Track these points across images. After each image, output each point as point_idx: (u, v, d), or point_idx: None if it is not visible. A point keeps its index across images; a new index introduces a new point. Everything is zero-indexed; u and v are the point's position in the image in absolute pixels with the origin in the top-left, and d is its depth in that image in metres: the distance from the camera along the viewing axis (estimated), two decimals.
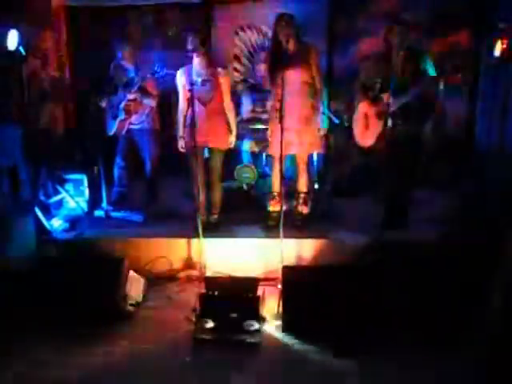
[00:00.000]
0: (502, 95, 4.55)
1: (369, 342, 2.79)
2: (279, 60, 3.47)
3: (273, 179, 3.98)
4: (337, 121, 4.86)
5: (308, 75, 3.67)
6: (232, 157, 4.59)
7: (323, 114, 3.92)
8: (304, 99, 3.70)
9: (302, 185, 3.93)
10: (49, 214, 4.12)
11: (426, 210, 4.04)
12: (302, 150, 3.82)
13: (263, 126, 4.69)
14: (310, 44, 3.75)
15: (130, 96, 4.17)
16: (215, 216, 4.01)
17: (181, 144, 3.87)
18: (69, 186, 4.44)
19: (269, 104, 3.88)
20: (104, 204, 4.17)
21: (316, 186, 4.69)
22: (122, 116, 4.24)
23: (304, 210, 3.94)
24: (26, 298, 3.07)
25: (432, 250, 3.28)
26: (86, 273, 3.15)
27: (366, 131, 3.75)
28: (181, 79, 3.78)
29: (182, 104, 3.83)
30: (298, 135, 3.70)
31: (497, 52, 4.30)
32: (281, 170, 3.45)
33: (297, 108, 3.63)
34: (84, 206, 4.39)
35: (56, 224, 4.02)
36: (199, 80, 3.74)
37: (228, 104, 3.87)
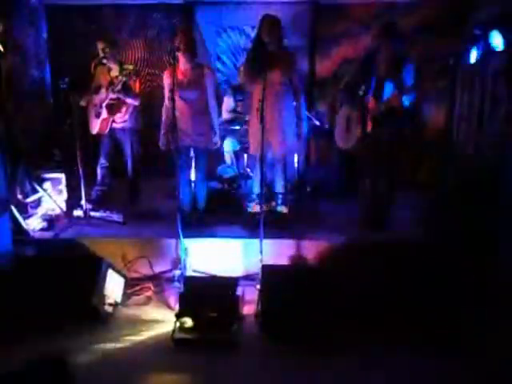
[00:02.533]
0: (478, 101, 4.66)
1: (346, 341, 2.82)
2: (260, 60, 3.50)
3: (252, 180, 4.01)
4: (318, 123, 4.91)
5: (287, 77, 3.72)
6: (214, 157, 4.59)
7: (303, 117, 3.95)
8: (282, 100, 3.73)
9: (280, 186, 3.96)
10: (26, 214, 4.05)
11: (406, 210, 4.10)
12: (279, 151, 3.85)
13: (245, 127, 4.71)
14: (291, 51, 3.81)
15: (113, 95, 4.14)
16: (199, 213, 4.02)
17: (162, 142, 3.87)
18: (47, 185, 4.37)
19: (248, 104, 3.89)
20: (83, 203, 4.12)
21: (296, 187, 4.72)
22: (104, 115, 4.21)
23: (283, 210, 3.97)
24: (1, 298, 3.01)
25: (413, 250, 3.33)
26: (63, 273, 3.11)
27: (347, 134, 3.80)
28: (166, 79, 3.78)
29: (167, 103, 3.83)
30: (275, 136, 3.73)
31: (472, 59, 4.40)
32: (261, 171, 3.47)
33: (274, 109, 3.66)
34: (62, 205, 4.34)
35: (33, 223, 3.96)
36: (184, 80, 3.75)
37: (213, 104, 3.89)
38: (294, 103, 3.81)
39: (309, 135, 4.34)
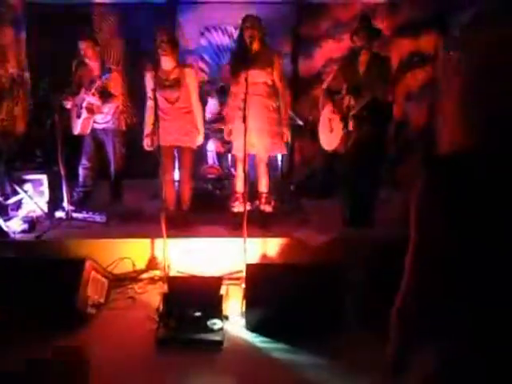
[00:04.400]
0: None
1: (333, 339, 2.85)
2: (242, 60, 3.51)
3: (236, 179, 4.01)
4: (301, 123, 4.93)
5: (269, 77, 3.73)
6: (197, 157, 4.58)
7: (288, 117, 3.97)
8: (265, 100, 3.75)
9: (263, 185, 3.98)
10: (6, 215, 3.99)
11: (388, 208, 4.14)
12: (262, 151, 3.87)
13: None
14: (275, 50, 3.83)
15: (90, 97, 4.10)
16: (184, 211, 4.02)
17: (146, 142, 3.85)
18: (28, 187, 4.31)
19: (231, 104, 3.89)
20: (65, 204, 4.08)
21: (280, 186, 4.74)
22: (84, 115, 4.18)
23: (267, 209, 3.99)
24: None
25: (394, 248, 3.36)
26: (45, 274, 3.08)
27: (331, 135, 3.83)
28: (148, 79, 3.76)
29: (150, 103, 3.81)
30: (258, 136, 3.75)
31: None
32: (244, 170, 3.47)
33: (257, 108, 3.67)
34: (44, 206, 4.28)
35: (14, 225, 3.90)
36: (167, 79, 3.74)
37: (196, 103, 3.88)
38: (278, 103, 3.82)
39: (292, 135, 4.36)
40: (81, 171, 4.38)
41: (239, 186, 3.96)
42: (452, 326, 0.92)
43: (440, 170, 0.95)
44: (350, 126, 3.62)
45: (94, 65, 4.20)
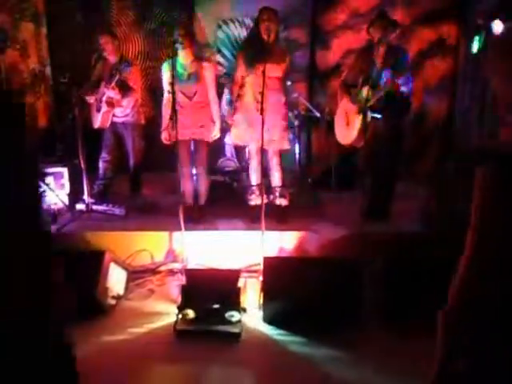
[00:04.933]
0: (480, 92, 4.64)
1: (348, 332, 2.84)
2: (259, 52, 3.49)
3: (250, 172, 4.01)
4: (318, 115, 4.90)
5: (281, 71, 3.72)
6: (215, 150, 4.60)
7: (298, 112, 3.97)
8: (276, 94, 3.73)
9: (277, 179, 3.97)
10: None
11: (407, 202, 4.10)
12: (275, 145, 3.86)
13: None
14: (286, 49, 3.82)
15: (109, 91, 4.14)
16: (202, 205, 4.05)
17: (164, 136, 3.88)
18: (49, 180, 4.39)
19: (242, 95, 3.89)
20: (85, 197, 4.14)
21: (297, 179, 4.73)
22: (104, 109, 4.22)
23: (283, 202, 3.98)
24: None
25: (413, 242, 3.33)
26: (66, 266, 3.13)
27: (347, 128, 3.80)
28: (165, 72, 3.77)
29: (167, 96, 3.83)
30: (270, 129, 3.73)
31: (474, 48, 4.37)
32: (261, 163, 3.47)
33: (270, 102, 3.64)
34: (65, 199, 4.36)
35: None
36: (184, 73, 3.75)
37: (213, 97, 3.89)
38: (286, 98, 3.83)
39: (309, 127, 4.34)
40: (101, 164, 4.44)
41: (254, 179, 3.97)
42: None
43: (506, 166, 0.88)
44: (368, 118, 3.58)
45: (113, 59, 4.24)
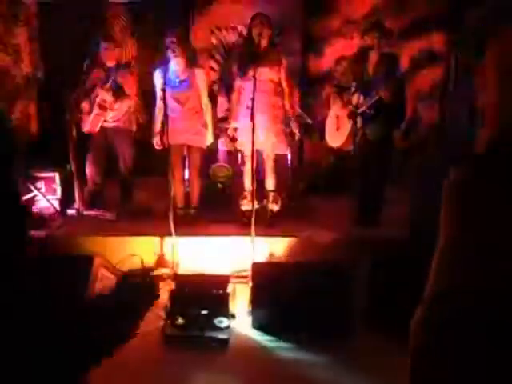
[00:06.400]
0: (471, 97, 4.67)
1: (337, 337, 2.84)
2: (250, 57, 3.52)
3: (244, 177, 4.02)
4: (310, 121, 4.92)
5: (276, 76, 3.74)
6: (207, 156, 4.60)
7: (295, 115, 3.98)
8: (271, 97, 3.75)
9: (271, 183, 3.98)
10: None
11: (397, 208, 4.11)
12: (269, 149, 3.87)
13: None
14: (282, 53, 3.83)
15: (103, 93, 4.12)
16: (193, 210, 4.05)
17: (156, 141, 3.88)
18: (41, 184, 4.38)
19: (236, 100, 3.91)
20: (76, 202, 4.13)
21: (289, 185, 4.73)
22: (96, 111, 4.17)
23: (274, 207, 3.99)
24: None
25: (404, 247, 3.34)
26: (55, 271, 3.12)
27: (337, 132, 3.83)
28: (158, 79, 3.78)
29: (159, 103, 3.83)
30: (264, 133, 3.75)
31: (465, 56, 4.41)
32: (252, 168, 3.48)
33: (263, 105, 3.67)
34: (56, 204, 4.34)
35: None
36: (176, 80, 3.77)
37: (206, 103, 3.90)
38: (283, 102, 3.83)
39: (301, 133, 4.35)
40: (91, 169, 4.40)
41: (247, 183, 3.98)
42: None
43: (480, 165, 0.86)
44: (358, 124, 3.62)
45: (110, 63, 4.21)
